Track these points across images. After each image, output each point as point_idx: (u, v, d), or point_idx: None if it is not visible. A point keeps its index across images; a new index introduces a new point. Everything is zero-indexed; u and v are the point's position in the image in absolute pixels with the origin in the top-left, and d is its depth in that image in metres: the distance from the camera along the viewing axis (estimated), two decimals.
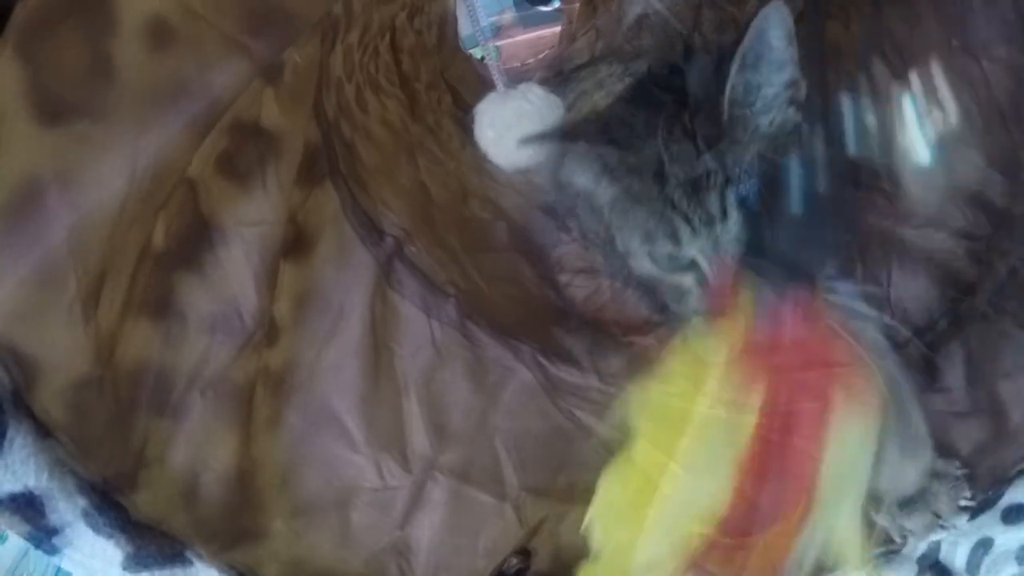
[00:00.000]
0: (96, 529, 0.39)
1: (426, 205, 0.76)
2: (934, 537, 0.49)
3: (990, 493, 0.48)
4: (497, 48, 0.96)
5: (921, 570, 0.49)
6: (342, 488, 0.51)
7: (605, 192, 0.54)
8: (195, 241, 0.44)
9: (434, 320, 0.60)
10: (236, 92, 0.39)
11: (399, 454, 0.53)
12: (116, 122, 0.37)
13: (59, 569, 0.77)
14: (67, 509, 0.38)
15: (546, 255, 0.83)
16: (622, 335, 0.70)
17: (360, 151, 0.69)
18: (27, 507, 0.37)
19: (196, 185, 0.44)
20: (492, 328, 0.63)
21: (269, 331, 0.50)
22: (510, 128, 0.63)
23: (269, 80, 0.47)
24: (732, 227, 0.48)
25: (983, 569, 0.47)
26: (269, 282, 0.48)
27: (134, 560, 0.40)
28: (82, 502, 0.38)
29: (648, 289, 0.59)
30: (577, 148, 0.55)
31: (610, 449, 0.46)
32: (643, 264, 0.54)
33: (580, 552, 0.46)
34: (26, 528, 0.37)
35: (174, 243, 0.43)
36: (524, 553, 0.50)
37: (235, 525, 0.46)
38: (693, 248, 0.50)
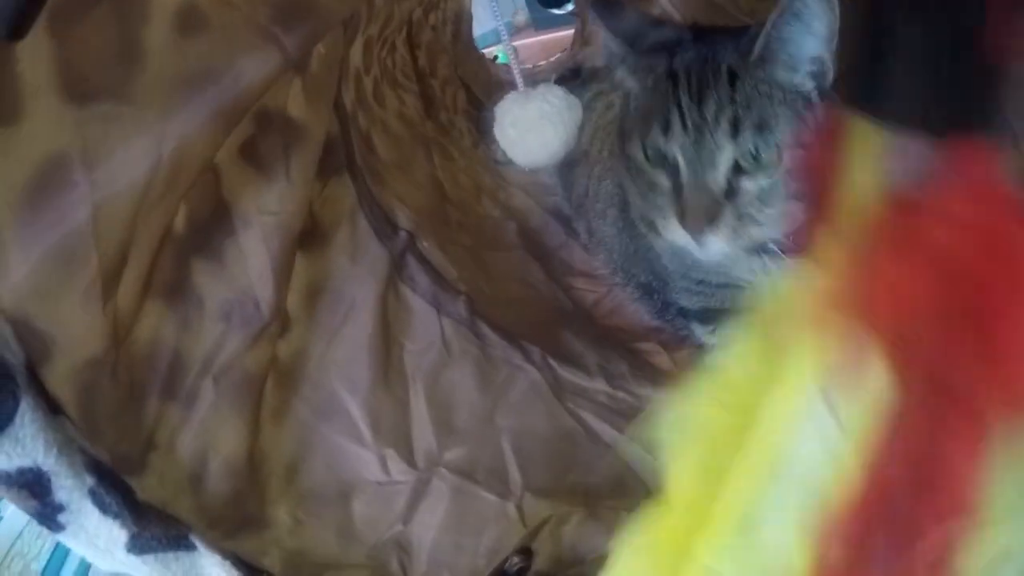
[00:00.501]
0: (103, 509, 0.39)
1: (440, 201, 0.76)
2: None
3: None
4: (515, 48, 0.96)
5: None
6: (346, 480, 0.51)
7: (636, 82, 0.59)
8: (215, 227, 0.44)
9: (444, 317, 0.60)
10: (266, 83, 0.39)
11: (405, 449, 0.53)
12: (144, 105, 0.36)
13: (56, 547, 0.77)
14: (74, 487, 0.38)
15: (555, 256, 0.83)
16: (628, 341, 0.70)
17: (376, 144, 0.69)
18: (35, 483, 0.37)
19: (219, 170, 0.44)
20: (501, 328, 0.63)
21: (281, 322, 0.50)
22: (531, 128, 0.63)
23: (297, 69, 0.47)
24: (719, 139, 0.52)
25: None
26: (286, 272, 0.48)
27: (138, 542, 0.40)
28: (90, 481, 0.38)
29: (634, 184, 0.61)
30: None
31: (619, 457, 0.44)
32: (636, 152, 0.57)
33: (581, 554, 0.46)
34: (32, 504, 0.37)
35: (194, 227, 0.43)
36: (525, 552, 0.50)
37: (239, 513, 0.46)
38: (677, 145, 0.53)
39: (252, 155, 0.45)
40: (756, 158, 0.52)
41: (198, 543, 0.42)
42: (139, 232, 0.38)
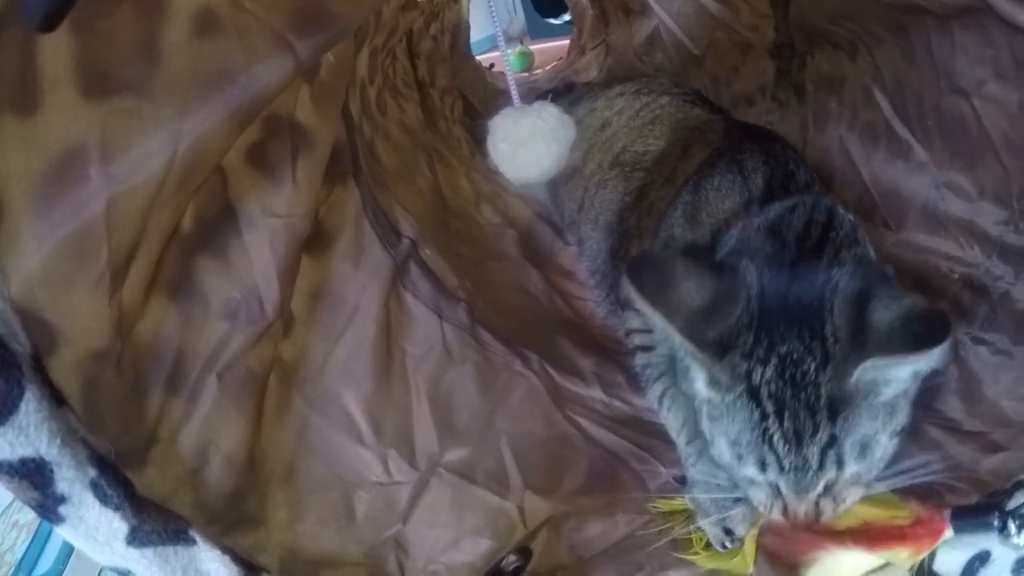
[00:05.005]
0: (104, 501, 0.39)
1: (441, 210, 0.77)
2: None
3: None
4: (518, 55, 0.97)
5: None
6: (348, 480, 0.51)
7: (713, 393, 0.49)
8: (221, 226, 0.45)
9: (446, 323, 0.60)
10: (279, 88, 0.40)
11: (407, 449, 0.54)
12: (162, 102, 0.37)
13: (32, 540, 0.75)
14: (76, 478, 0.37)
15: (553, 263, 0.84)
16: (622, 354, 0.71)
17: (380, 152, 0.70)
18: (36, 473, 0.36)
19: (225, 172, 0.45)
20: (500, 335, 0.63)
21: (284, 322, 0.50)
22: (523, 144, 0.64)
23: (306, 76, 0.48)
24: (826, 474, 0.46)
25: None
26: (291, 274, 0.48)
27: (138, 535, 0.40)
28: (92, 472, 0.38)
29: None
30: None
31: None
32: (722, 454, 0.50)
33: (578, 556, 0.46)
34: (33, 495, 0.37)
35: (200, 226, 0.44)
36: (523, 552, 0.50)
37: (238, 510, 0.46)
38: (776, 478, 0.47)
39: (260, 158, 0.46)
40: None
41: (198, 537, 0.42)
42: (150, 227, 0.39)
